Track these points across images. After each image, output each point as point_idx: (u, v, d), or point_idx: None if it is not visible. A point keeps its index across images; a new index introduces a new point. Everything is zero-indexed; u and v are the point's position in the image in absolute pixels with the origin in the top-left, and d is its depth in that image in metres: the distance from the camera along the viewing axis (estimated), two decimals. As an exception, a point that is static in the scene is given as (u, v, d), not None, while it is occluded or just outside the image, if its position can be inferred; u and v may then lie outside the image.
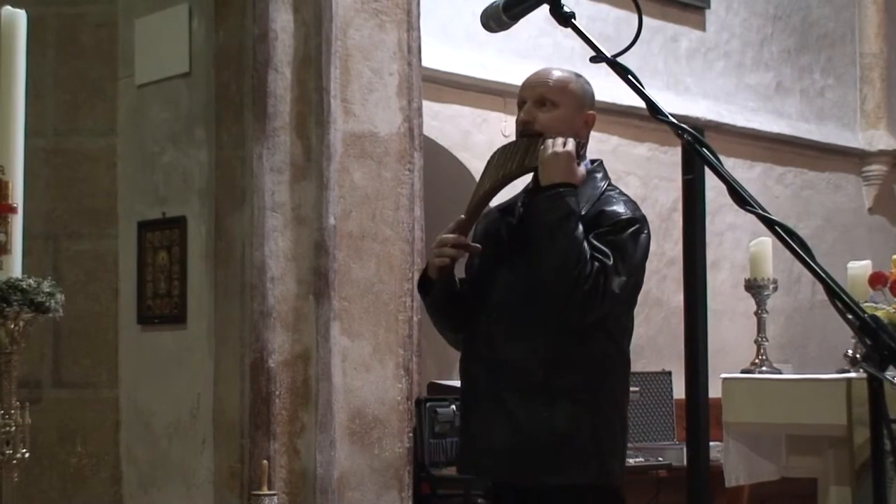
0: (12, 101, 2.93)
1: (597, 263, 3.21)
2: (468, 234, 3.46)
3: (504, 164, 3.42)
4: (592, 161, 3.48)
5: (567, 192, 3.25)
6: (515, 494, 3.45)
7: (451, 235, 3.43)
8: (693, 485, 4.71)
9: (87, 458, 4.55)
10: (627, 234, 3.30)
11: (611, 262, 3.22)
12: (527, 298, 3.34)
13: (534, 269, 3.31)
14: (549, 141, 3.31)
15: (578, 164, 3.32)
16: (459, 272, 3.56)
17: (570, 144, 3.29)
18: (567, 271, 3.20)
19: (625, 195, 3.44)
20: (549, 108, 3.40)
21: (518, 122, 3.47)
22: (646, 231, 3.35)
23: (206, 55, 4.30)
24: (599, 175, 3.44)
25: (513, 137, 3.52)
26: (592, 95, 3.50)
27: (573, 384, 3.31)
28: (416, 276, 4.28)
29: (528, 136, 3.40)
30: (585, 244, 3.21)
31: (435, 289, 3.50)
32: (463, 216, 3.46)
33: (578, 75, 3.51)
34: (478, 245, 3.47)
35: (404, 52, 4.39)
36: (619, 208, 3.34)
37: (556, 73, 3.48)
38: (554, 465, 3.31)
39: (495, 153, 3.49)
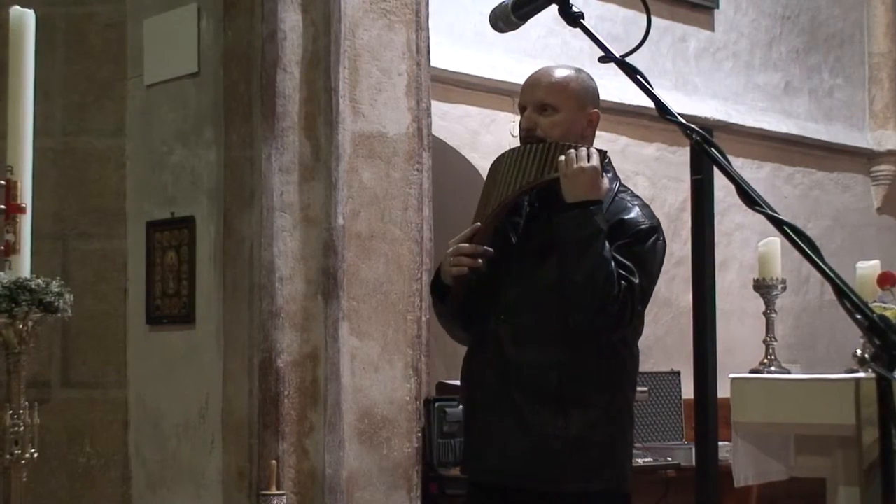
0: (21, 101, 2.93)
1: (623, 283, 3.12)
2: (485, 242, 3.29)
3: (521, 172, 3.24)
4: (600, 152, 3.26)
5: (596, 209, 3.14)
6: (525, 498, 3.30)
7: (467, 245, 3.27)
8: (701, 485, 4.71)
9: (96, 458, 4.55)
10: (648, 245, 3.21)
11: (637, 281, 3.13)
12: (538, 303, 3.24)
13: (546, 274, 3.22)
14: (573, 153, 3.17)
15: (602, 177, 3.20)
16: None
17: (595, 159, 3.17)
18: (595, 292, 3.11)
19: (637, 197, 3.34)
20: (549, 112, 3.27)
21: (520, 129, 3.37)
22: (662, 237, 3.27)
23: (214, 55, 4.30)
24: (609, 174, 3.29)
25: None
26: (595, 92, 3.35)
27: (588, 392, 3.22)
28: (425, 276, 4.31)
29: (534, 142, 3.27)
30: (612, 263, 3.12)
31: (450, 297, 3.36)
32: (479, 224, 3.29)
33: (580, 71, 3.37)
34: (490, 249, 3.30)
35: (413, 52, 4.39)
36: (639, 217, 3.23)
37: (555, 74, 3.34)
38: (569, 472, 3.21)
39: (504, 159, 3.32)
